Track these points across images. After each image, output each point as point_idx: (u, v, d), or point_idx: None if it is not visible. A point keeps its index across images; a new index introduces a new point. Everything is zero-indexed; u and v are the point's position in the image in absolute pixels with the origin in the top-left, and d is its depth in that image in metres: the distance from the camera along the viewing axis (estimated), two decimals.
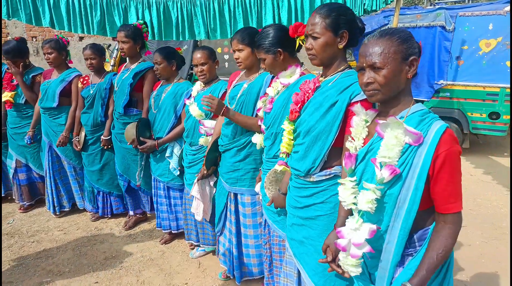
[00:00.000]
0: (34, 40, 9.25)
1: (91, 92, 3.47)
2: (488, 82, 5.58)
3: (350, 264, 1.37)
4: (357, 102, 1.56)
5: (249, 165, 2.44)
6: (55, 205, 3.77)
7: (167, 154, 3.07)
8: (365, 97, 1.57)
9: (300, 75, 2.05)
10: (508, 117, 5.52)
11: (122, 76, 3.29)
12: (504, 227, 3.61)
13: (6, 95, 3.70)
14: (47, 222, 3.69)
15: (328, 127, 1.63)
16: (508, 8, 5.31)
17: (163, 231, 3.30)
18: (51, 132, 3.64)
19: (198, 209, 2.80)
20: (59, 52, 3.55)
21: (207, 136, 2.76)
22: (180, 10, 3.78)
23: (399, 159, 1.26)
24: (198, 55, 2.72)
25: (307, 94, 1.73)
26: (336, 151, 1.67)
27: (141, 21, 3.34)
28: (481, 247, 3.27)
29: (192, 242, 3.15)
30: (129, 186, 3.48)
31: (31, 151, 3.83)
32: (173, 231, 3.28)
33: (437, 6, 6.17)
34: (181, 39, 3.90)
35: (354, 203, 1.37)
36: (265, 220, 2.32)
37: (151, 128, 3.16)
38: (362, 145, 1.42)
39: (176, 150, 3.07)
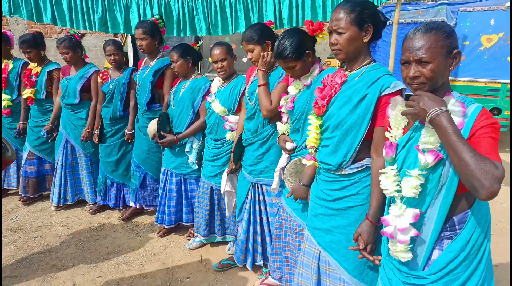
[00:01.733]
0: None
1: (111, 87, 3.54)
2: (490, 77, 5.57)
3: (400, 250, 1.39)
4: (388, 94, 1.59)
5: (273, 157, 2.46)
6: (60, 197, 3.82)
7: (186, 149, 3.10)
8: (395, 90, 1.59)
9: (320, 71, 2.08)
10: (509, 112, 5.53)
11: (143, 73, 3.33)
12: (504, 221, 3.63)
13: (27, 92, 3.79)
14: (50, 218, 3.72)
15: (359, 120, 1.65)
16: (509, 3, 5.30)
17: (166, 226, 3.29)
18: (71, 125, 3.70)
19: (229, 203, 2.84)
20: (74, 50, 3.59)
21: (232, 131, 2.78)
22: (181, 6, 3.79)
23: (440, 143, 1.28)
24: (216, 51, 2.70)
25: (334, 89, 1.73)
26: (366, 143, 1.68)
27: (157, 16, 3.35)
28: None
29: (199, 235, 3.12)
30: (144, 179, 3.52)
31: (49, 144, 3.91)
32: (184, 224, 3.27)
33: (438, 2, 6.16)
34: (182, 35, 3.91)
35: (397, 191, 1.39)
36: (278, 209, 2.36)
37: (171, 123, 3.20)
38: (402, 134, 1.45)
39: (195, 145, 3.10)
